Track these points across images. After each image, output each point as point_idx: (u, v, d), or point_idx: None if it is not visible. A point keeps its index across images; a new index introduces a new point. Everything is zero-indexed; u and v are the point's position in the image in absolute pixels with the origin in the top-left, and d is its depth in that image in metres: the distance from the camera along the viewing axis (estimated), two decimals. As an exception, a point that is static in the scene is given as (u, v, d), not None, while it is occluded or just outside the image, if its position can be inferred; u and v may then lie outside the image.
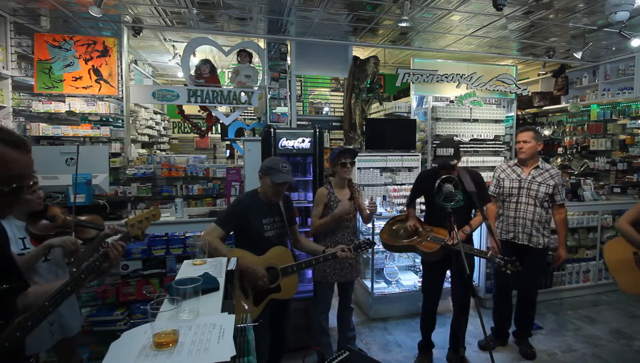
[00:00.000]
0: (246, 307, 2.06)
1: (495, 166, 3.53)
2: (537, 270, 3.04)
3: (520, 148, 2.93)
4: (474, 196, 2.49)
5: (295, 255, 2.38)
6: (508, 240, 2.96)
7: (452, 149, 2.60)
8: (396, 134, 4.47)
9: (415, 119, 5.00)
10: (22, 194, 1.03)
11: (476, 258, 3.13)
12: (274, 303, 2.20)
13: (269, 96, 5.01)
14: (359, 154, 3.49)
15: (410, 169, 4.46)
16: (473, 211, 2.76)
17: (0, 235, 1.14)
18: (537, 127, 6.83)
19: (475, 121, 5.40)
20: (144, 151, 6.83)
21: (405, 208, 2.91)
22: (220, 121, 5.01)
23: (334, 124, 5.54)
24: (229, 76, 5.39)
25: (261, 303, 2.12)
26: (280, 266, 2.17)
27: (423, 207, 3.01)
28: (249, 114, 6.58)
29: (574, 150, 6.61)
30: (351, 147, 4.39)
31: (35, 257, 1.77)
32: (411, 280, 3.90)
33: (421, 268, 3.19)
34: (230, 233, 2.26)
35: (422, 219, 2.83)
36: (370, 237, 3.61)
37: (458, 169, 2.66)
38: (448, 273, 2.84)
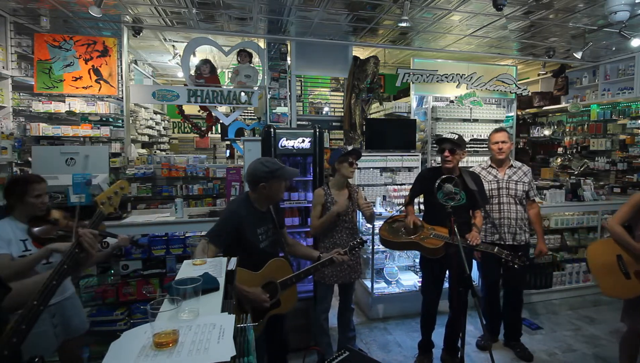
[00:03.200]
0: None
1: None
2: (521, 267, 3.04)
3: (500, 148, 2.98)
4: (475, 194, 2.49)
5: (291, 264, 2.29)
6: (493, 242, 2.96)
7: (457, 135, 2.65)
8: (396, 134, 4.47)
9: (415, 119, 5.00)
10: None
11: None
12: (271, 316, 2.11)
13: (269, 96, 5.01)
14: (358, 154, 3.48)
15: (410, 169, 4.46)
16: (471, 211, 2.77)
17: None
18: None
19: (475, 121, 5.40)
20: (144, 151, 6.83)
21: (403, 207, 2.91)
22: (220, 121, 5.02)
23: (334, 124, 5.54)
24: (229, 76, 5.39)
25: (261, 321, 2.04)
26: (279, 280, 2.09)
27: (421, 207, 3.01)
28: (249, 114, 6.58)
29: (574, 150, 6.61)
30: (358, 147, 4.38)
31: (37, 260, 1.77)
32: (411, 280, 3.90)
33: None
34: None
35: (421, 219, 2.83)
36: (370, 237, 3.61)
37: (460, 169, 2.66)
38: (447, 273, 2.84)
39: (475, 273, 3.79)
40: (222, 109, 5.39)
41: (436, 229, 2.60)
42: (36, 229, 1.88)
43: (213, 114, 4.91)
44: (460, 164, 5.17)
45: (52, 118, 4.93)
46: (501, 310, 3.21)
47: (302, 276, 2.19)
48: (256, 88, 4.85)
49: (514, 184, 2.96)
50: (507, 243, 2.94)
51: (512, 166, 3.03)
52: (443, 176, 2.38)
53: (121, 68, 4.71)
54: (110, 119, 5.08)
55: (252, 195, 2.15)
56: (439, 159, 3.03)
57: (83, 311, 2.24)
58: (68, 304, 2.07)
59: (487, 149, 5.43)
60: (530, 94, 6.66)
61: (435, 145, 2.75)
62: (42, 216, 1.95)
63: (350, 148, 2.79)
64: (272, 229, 2.22)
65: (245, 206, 2.12)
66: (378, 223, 3.36)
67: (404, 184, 4.32)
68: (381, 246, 3.58)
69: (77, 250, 1.28)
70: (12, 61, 4.40)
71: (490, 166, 3.08)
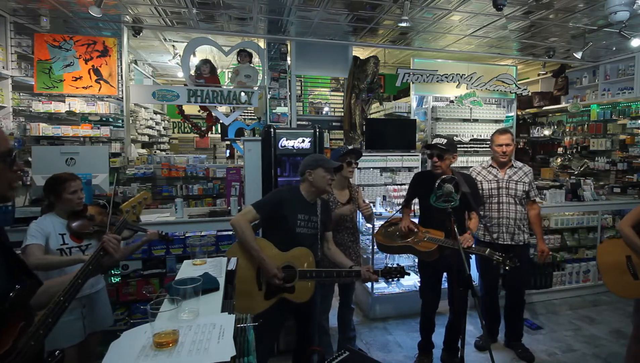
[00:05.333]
0: (256, 299, 2.06)
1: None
2: (522, 267, 3.02)
3: (504, 151, 2.94)
4: (468, 196, 2.48)
5: (318, 262, 2.29)
6: (491, 241, 2.95)
7: (446, 140, 2.61)
8: (396, 134, 4.47)
9: (415, 119, 5.00)
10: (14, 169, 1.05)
11: (472, 259, 3.13)
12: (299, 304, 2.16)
13: (269, 96, 5.01)
14: (358, 154, 3.48)
15: (410, 169, 4.46)
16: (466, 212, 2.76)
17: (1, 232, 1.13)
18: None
19: (475, 121, 5.39)
20: (144, 151, 6.84)
21: (400, 209, 2.92)
22: (220, 121, 5.02)
23: (334, 124, 5.54)
24: (229, 76, 5.39)
25: (271, 299, 2.09)
26: (300, 268, 2.12)
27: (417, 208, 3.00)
28: (249, 114, 6.57)
29: (574, 150, 6.61)
30: (358, 147, 4.38)
31: (62, 265, 1.95)
32: (411, 280, 3.89)
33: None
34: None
35: (416, 221, 2.82)
36: (371, 238, 3.61)
37: (452, 171, 2.65)
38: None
39: (475, 274, 3.79)
40: (222, 109, 5.39)
41: (431, 232, 2.59)
42: (74, 224, 2.05)
43: (213, 114, 4.91)
44: (462, 164, 5.17)
45: (52, 118, 4.93)
46: (499, 311, 3.20)
47: (324, 275, 2.19)
48: (256, 88, 4.85)
49: (514, 184, 2.95)
50: (504, 242, 2.93)
51: (512, 166, 3.02)
52: (443, 176, 2.38)
53: (121, 68, 4.71)
54: (110, 119, 5.09)
55: (301, 186, 2.31)
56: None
57: (110, 306, 2.35)
58: (97, 297, 2.21)
59: (487, 149, 5.47)
60: (530, 94, 6.66)
61: (427, 150, 2.73)
62: (80, 212, 2.12)
63: (350, 147, 2.80)
64: (314, 222, 2.28)
65: (293, 192, 2.30)
66: (379, 223, 3.36)
67: (404, 184, 4.31)
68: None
69: (101, 253, 1.41)
70: (12, 61, 4.40)
71: (491, 165, 3.08)
